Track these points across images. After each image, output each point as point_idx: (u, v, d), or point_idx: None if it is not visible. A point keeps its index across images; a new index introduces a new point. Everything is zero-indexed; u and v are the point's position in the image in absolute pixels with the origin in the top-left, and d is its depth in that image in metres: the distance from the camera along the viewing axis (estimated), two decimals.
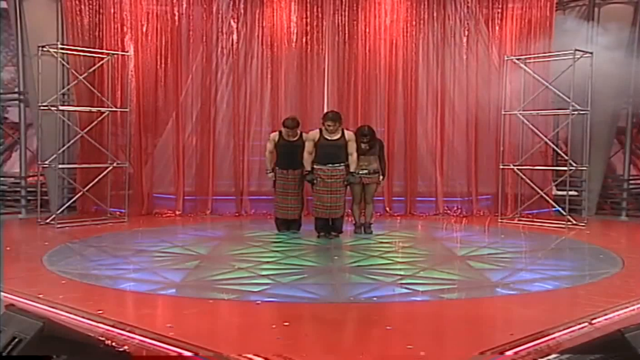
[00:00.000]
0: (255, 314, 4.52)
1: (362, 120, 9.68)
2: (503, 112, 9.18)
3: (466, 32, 9.80)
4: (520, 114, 9.03)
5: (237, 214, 9.51)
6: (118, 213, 8.93)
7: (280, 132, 7.81)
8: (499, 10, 9.79)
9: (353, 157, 7.31)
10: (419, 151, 9.80)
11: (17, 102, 9.51)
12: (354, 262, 6.31)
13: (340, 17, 9.73)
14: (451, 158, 9.93)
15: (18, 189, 9.46)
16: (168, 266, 5.95)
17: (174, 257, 6.41)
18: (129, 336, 3.76)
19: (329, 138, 7.25)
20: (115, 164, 8.84)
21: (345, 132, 7.38)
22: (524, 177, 9.16)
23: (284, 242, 7.38)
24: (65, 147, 8.81)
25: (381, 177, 7.80)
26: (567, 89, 8.61)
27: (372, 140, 7.72)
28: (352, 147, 7.31)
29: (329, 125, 7.25)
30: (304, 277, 5.59)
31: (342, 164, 7.29)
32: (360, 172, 7.55)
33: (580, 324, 4.08)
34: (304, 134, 7.72)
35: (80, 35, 9.19)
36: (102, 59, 8.91)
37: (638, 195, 9.88)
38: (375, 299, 4.87)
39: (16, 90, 9.51)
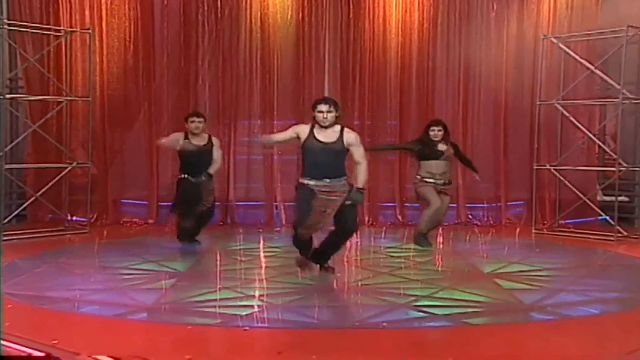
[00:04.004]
0: (243, 343, 4.50)
1: (369, 114, 9.71)
2: (538, 102, 9.16)
3: (494, 6, 9.80)
4: (558, 103, 9.02)
5: (221, 223, 9.50)
6: (78, 222, 8.91)
7: (186, 134, 7.61)
8: None
9: (362, 167, 6.11)
10: None
11: None
12: (360, 279, 6.31)
13: None
14: (476, 157, 9.83)
15: None
16: (138, 286, 5.95)
17: (146, 274, 6.40)
18: None
19: (323, 140, 6.01)
20: (75, 164, 8.83)
21: (346, 132, 6.12)
22: (563, 179, 9.15)
23: (277, 256, 7.37)
24: (14, 143, 8.80)
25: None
26: (616, 73, 8.60)
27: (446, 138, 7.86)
28: (358, 153, 6.12)
29: (320, 112, 5.99)
30: (300, 298, 5.58)
31: (343, 178, 6.07)
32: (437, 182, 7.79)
33: (633, 356, 4.05)
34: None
35: (30, 9, 9.16)
36: (58, 37, 8.90)
37: None
38: (385, 324, 4.87)
39: None
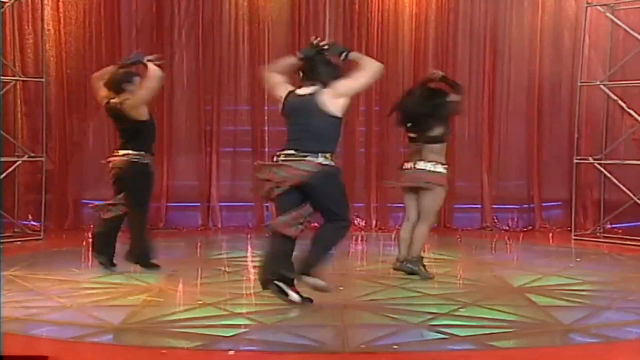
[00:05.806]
0: None
1: (377, 95, 9.70)
2: (580, 83, 9.18)
3: None
4: (604, 85, 9.03)
5: (202, 227, 9.53)
6: (31, 227, 8.93)
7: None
8: None
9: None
10: (458, 139, 9.80)
11: None
12: (367, 294, 6.31)
13: None
14: (504, 149, 9.96)
15: None
16: (103, 302, 5.95)
17: (112, 288, 6.41)
18: None
19: (300, 93, 5.64)
20: (26, 157, 8.83)
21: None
22: (609, 175, 9.16)
23: None
24: None
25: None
26: None
27: (429, 99, 6.74)
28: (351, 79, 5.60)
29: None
30: (296, 317, 5.60)
31: (311, 155, 5.42)
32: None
33: None
34: None
35: None
36: (3, 3, 8.88)
37: None
38: (395, 347, 4.87)
39: None
